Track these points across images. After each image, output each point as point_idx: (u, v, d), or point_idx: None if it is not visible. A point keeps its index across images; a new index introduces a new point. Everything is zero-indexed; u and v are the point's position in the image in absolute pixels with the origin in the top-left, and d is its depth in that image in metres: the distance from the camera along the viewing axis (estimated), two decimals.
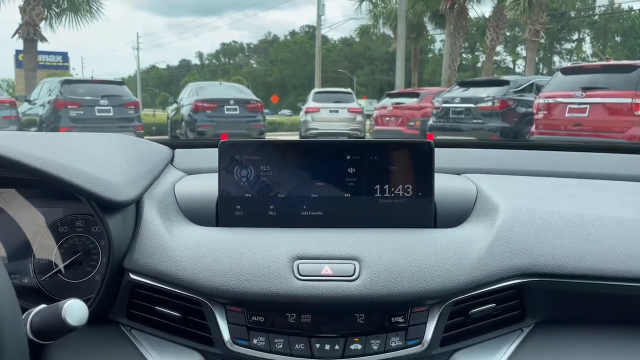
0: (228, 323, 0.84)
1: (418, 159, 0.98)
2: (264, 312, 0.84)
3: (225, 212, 0.99)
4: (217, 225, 1.00)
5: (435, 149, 0.99)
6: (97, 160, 0.93)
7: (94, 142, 1.03)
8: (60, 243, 1.01)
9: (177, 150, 1.29)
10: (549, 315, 0.92)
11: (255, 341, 0.84)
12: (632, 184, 1.17)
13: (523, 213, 0.95)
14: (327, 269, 0.84)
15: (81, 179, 0.84)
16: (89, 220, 1.01)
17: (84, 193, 0.85)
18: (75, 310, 0.70)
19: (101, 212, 0.87)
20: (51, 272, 0.99)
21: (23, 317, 0.70)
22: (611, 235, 0.92)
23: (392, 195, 0.98)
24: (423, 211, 0.99)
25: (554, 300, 0.90)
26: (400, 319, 0.84)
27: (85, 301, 0.87)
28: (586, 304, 0.91)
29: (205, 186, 1.05)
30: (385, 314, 0.84)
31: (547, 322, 0.92)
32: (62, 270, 0.99)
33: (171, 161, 1.24)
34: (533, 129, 7.73)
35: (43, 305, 0.72)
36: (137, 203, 0.96)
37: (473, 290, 0.86)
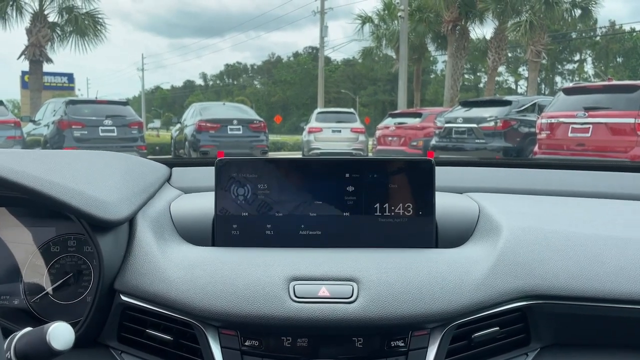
0: (221, 347, 0.81)
1: (418, 177, 0.96)
2: (259, 336, 0.81)
3: (221, 232, 0.97)
4: (213, 244, 0.98)
5: (437, 167, 0.97)
6: (89, 177, 0.91)
7: (87, 160, 1.02)
8: (52, 263, 0.98)
9: (174, 169, 1.28)
10: (555, 339, 0.89)
11: None
12: (637, 203, 1.14)
13: (526, 233, 0.93)
14: (324, 290, 0.82)
15: (71, 197, 0.82)
16: (82, 240, 0.99)
17: (73, 211, 0.83)
18: (60, 333, 0.67)
19: (92, 231, 0.85)
20: (41, 294, 0.96)
21: (7, 341, 0.68)
22: (617, 255, 0.89)
23: (392, 214, 0.96)
24: (424, 231, 0.97)
25: (559, 324, 0.87)
26: (400, 343, 0.81)
27: (76, 323, 0.84)
28: (593, 327, 0.88)
29: (202, 205, 1.03)
30: (384, 337, 0.81)
31: (553, 347, 0.89)
32: (52, 291, 0.97)
33: (168, 179, 1.22)
34: (536, 148, 7.73)
35: (28, 329, 0.69)
36: (131, 222, 0.94)
37: (476, 313, 0.83)
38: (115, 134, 10.49)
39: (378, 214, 0.96)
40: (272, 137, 17.43)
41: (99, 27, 17.38)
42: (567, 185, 1.24)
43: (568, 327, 0.88)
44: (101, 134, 10.36)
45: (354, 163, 0.97)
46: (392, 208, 0.96)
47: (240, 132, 11.42)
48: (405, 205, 0.96)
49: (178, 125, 13.29)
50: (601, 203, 1.15)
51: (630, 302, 0.84)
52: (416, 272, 0.84)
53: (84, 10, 17.31)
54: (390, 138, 11.43)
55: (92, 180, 0.91)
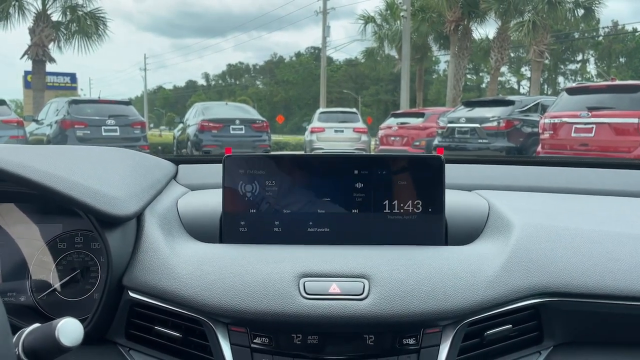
0: (231, 344, 0.80)
1: (428, 174, 0.95)
2: (269, 333, 0.80)
3: (229, 228, 0.96)
4: (220, 241, 0.97)
5: (445, 164, 0.96)
6: (97, 173, 0.90)
7: (95, 156, 1.01)
8: (59, 260, 0.97)
9: (181, 166, 1.27)
10: (568, 337, 0.88)
11: None
12: None
13: (538, 230, 0.92)
14: (334, 287, 0.81)
15: (79, 192, 0.82)
16: (89, 236, 0.98)
17: (82, 207, 0.82)
18: (69, 329, 0.66)
19: (100, 227, 0.84)
20: (48, 290, 0.96)
21: (15, 337, 0.67)
22: (631, 252, 0.88)
23: (402, 211, 0.95)
24: (434, 228, 0.96)
25: (573, 321, 0.86)
26: (411, 341, 0.80)
27: (84, 320, 0.83)
28: (607, 325, 0.87)
29: (209, 202, 1.02)
30: (396, 335, 0.80)
31: (567, 344, 0.88)
32: (59, 288, 0.96)
33: (175, 177, 1.21)
34: (539, 148, 7.71)
35: (36, 325, 0.69)
36: (138, 218, 0.93)
37: (488, 311, 0.82)
38: (117, 133, 10.49)
39: (387, 211, 0.95)
40: (275, 137, 17.41)
41: (101, 27, 17.40)
42: (575, 182, 1.23)
43: (581, 324, 0.87)
44: (104, 134, 10.37)
45: (363, 159, 0.96)
46: (402, 205, 0.95)
47: (243, 131, 11.42)
48: (415, 202, 0.95)
49: (180, 125, 13.30)
50: (611, 200, 1.14)
51: None
52: (428, 269, 0.83)
53: (87, 10, 17.34)
54: (393, 138, 11.42)
55: (100, 175, 0.90)
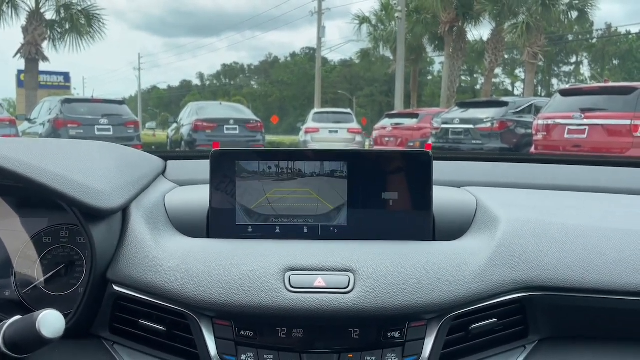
0: (215, 337, 0.80)
1: (416, 169, 0.96)
2: (253, 326, 0.80)
3: (216, 224, 0.96)
4: (208, 237, 0.97)
5: (435, 161, 0.96)
6: (82, 166, 0.90)
7: (81, 149, 1.00)
8: (44, 254, 0.97)
9: (169, 162, 1.26)
10: (553, 331, 0.88)
11: (243, 357, 0.79)
12: (634, 197, 1.14)
13: (524, 224, 0.92)
14: (320, 280, 0.80)
15: (63, 185, 0.81)
16: (74, 230, 0.98)
17: (66, 199, 0.81)
18: (50, 321, 0.65)
19: (84, 220, 0.83)
20: (32, 285, 0.95)
21: None
22: (616, 247, 0.88)
23: (389, 206, 0.95)
24: (421, 223, 0.96)
25: (558, 316, 0.86)
26: (396, 334, 0.80)
27: (68, 314, 0.83)
28: (592, 319, 0.87)
29: (197, 198, 1.02)
30: (381, 328, 0.80)
31: (552, 339, 0.88)
32: (44, 282, 0.95)
33: (163, 172, 1.21)
34: (532, 149, 7.75)
35: (17, 317, 0.68)
36: (124, 212, 0.92)
37: (473, 304, 0.82)
38: (111, 132, 10.47)
39: (375, 206, 0.95)
40: (269, 138, 17.39)
41: (96, 26, 17.33)
42: (564, 179, 1.23)
43: (567, 319, 0.87)
44: (97, 133, 10.35)
45: (352, 154, 0.96)
46: (389, 200, 0.95)
47: (237, 131, 11.43)
48: (403, 198, 0.95)
49: (174, 125, 13.27)
50: (599, 197, 1.14)
51: (630, 293, 0.83)
52: (413, 263, 0.83)
53: (81, 7, 17.26)
54: (387, 138, 11.45)
55: (85, 168, 0.90)
